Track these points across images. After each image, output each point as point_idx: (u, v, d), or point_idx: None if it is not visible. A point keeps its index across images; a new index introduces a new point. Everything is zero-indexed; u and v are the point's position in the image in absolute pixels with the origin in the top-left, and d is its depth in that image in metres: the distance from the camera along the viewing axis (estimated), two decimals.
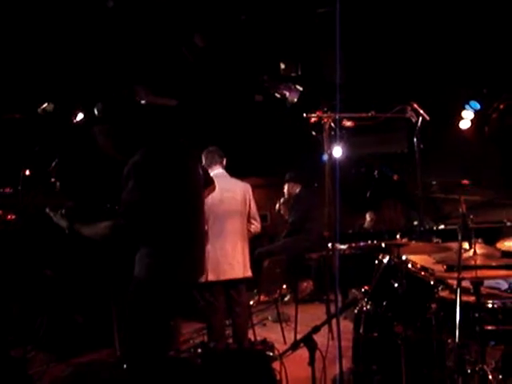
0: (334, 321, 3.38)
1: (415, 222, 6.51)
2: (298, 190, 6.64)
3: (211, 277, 3.94)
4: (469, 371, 2.66)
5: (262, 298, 6.22)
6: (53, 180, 3.04)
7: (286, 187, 6.77)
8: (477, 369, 2.61)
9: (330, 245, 4.99)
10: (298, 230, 6.41)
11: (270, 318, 5.78)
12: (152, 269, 2.60)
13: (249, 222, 4.31)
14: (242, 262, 4.12)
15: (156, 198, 2.59)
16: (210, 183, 3.16)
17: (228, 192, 4.08)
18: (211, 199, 3.57)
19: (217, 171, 4.12)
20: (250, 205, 4.29)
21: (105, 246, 3.88)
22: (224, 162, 4.26)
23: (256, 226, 4.37)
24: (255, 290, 5.73)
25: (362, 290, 3.48)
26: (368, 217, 7.95)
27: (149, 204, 2.57)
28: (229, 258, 4.03)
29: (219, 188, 3.41)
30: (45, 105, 5.18)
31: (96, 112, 2.69)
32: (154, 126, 2.88)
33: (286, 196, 6.78)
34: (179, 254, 2.64)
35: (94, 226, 2.66)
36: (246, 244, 4.23)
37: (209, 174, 3.25)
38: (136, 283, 2.62)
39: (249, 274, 4.22)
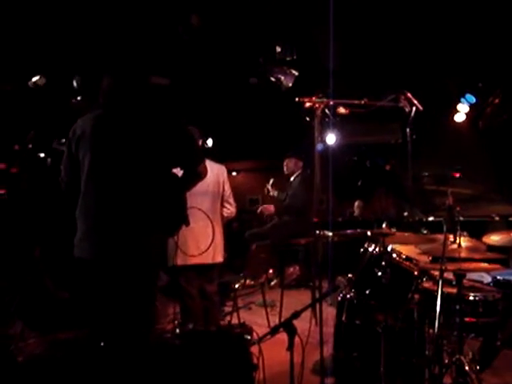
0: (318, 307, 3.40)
1: (405, 213, 6.52)
2: (300, 166, 6.43)
3: (179, 261, 3.69)
4: (446, 361, 2.70)
5: (248, 281, 6.25)
6: (30, 147, 3.03)
7: (285, 162, 6.52)
8: (454, 359, 2.65)
9: (317, 231, 4.99)
10: (293, 214, 6.33)
11: (255, 302, 5.80)
12: (77, 246, 2.60)
13: (222, 205, 4.10)
14: (212, 246, 3.86)
15: (76, 168, 2.60)
16: (197, 177, 2.84)
17: None
18: None
19: None
20: (223, 187, 4.08)
21: None
22: (200, 143, 3.96)
23: (230, 211, 4.16)
24: (241, 274, 5.75)
25: (347, 277, 3.51)
26: (356, 205, 7.96)
27: (70, 175, 2.63)
28: (196, 241, 3.76)
29: None
30: (36, 78, 5.05)
31: (75, 84, 2.64)
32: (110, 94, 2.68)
33: (286, 172, 6.54)
34: (92, 228, 2.55)
35: None
36: (218, 228, 3.96)
37: (198, 168, 2.82)
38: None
39: (219, 259, 3.99)
